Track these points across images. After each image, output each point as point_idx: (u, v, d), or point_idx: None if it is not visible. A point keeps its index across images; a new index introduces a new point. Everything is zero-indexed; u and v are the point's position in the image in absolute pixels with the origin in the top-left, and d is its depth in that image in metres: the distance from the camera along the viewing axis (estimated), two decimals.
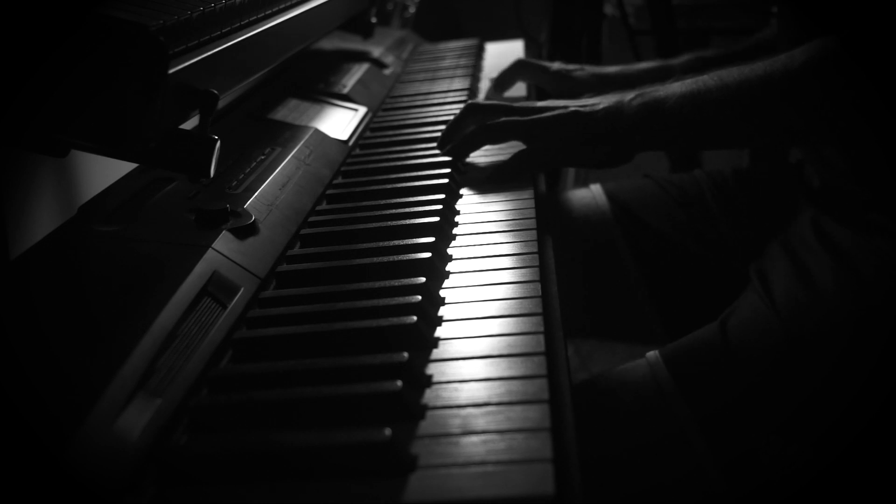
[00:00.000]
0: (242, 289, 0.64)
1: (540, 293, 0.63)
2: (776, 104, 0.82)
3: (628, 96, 0.87)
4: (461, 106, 1.12)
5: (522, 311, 0.61)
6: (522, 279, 0.66)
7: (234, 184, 0.79)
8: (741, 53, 1.14)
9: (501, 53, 1.52)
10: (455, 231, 0.78)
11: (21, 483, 0.42)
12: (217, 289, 0.62)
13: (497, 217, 0.80)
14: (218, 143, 0.67)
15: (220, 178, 0.79)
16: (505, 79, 1.22)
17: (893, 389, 0.77)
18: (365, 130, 1.09)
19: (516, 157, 0.90)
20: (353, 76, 1.23)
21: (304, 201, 0.83)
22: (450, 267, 0.70)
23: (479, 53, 1.49)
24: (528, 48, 1.67)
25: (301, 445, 0.46)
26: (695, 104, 0.84)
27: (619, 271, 1.11)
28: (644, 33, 1.91)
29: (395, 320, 0.59)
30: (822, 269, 0.85)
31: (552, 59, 1.75)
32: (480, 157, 0.96)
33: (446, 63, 1.42)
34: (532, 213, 0.80)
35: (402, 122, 1.11)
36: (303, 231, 0.78)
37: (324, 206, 0.86)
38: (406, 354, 0.53)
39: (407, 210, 0.80)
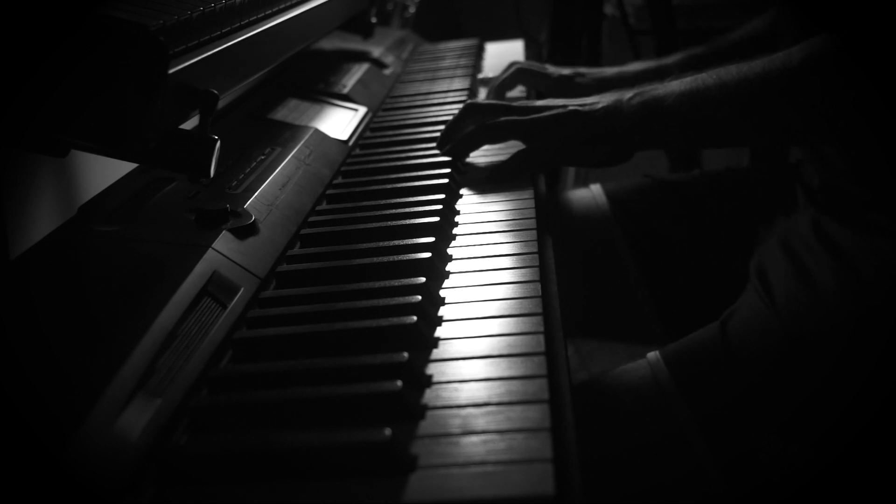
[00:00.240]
0: (242, 289, 0.64)
1: (540, 293, 0.63)
2: (775, 102, 0.82)
3: (627, 95, 0.87)
4: (461, 106, 1.13)
5: (522, 311, 0.61)
6: (522, 279, 0.66)
7: (234, 184, 0.79)
8: (732, 48, 1.14)
9: (501, 53, 1.52)
10: (455, 231, 0.78)
11: (21, 483, 0.42)
12: (217, 289, 0.62)
13: (497, 217, 0.80)
14: (218, 143, 0.67)
15: (220, 178, 0.79)
16: (505, 86, 1.21)
17: (893, 389, 0.77)
18: (365, 130, 1.09)
19: (516, 157, 0.90)
20: (353, 76, 1.23)
21: (304, 201, 0.83)
22: (450, 267, 0.70)
23: (479, 53, 1.49)
24: (528, 48, 1.67)
25: (301, 445, 0.46)
26: (693, 102, 0.84)
27: (619, 271, 1.11)
28: (644, 33, 1.91)
29: (395, 320, 0.59)
30: (822, 269, 0.85)
31: (552, 59, 1.76)
32: (480, 157, 0.96)
33: (446, 63, 1.42)
34: (532, 213, 0.80)
35: (402, 122, 1.11)
36: (303, 231, 0.78)
37: (324, 206, 0.86)
38: (406, 354, 0.53)
39: (407, 210, 0.80)
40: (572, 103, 0.89)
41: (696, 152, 1.81)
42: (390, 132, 1.08)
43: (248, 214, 0.73)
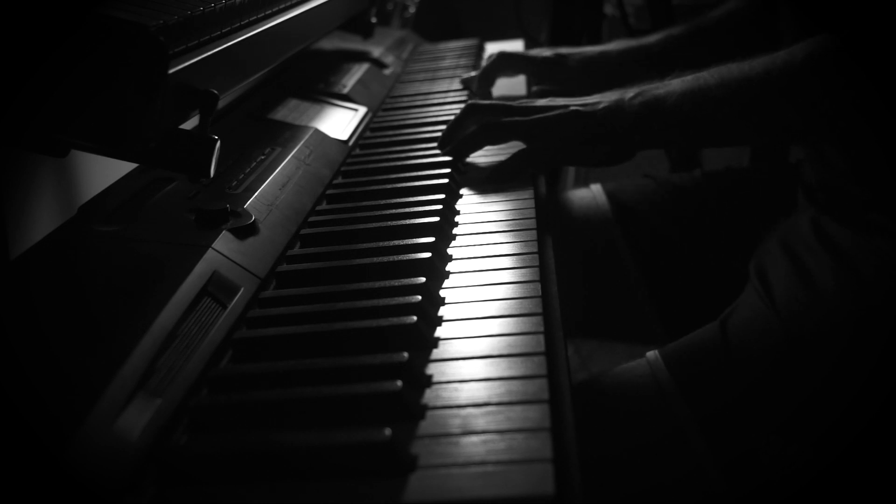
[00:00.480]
0: (242, 289, 0.64)
1: (540, 293, 0.63)
2: (776, 102, 0.82)
3: (628, 94, 0.87)
4: (461, 106, 1.13)
5: (522, 311, 0.61)
6: (522, 279, 0.66)
7: (234, 184, 0.79)
8: (710, 28, 1.14)
9: None
10: (455, 231, 0.78)
11: (21, 483, 0.42)
12: (217, 289, 0.62)
13: (497, 217, 0.80)
14: (218, 143, 0.67)
15: (220, 178, 0.79)
16: (489, 74, 1.21)
17: (893, 389, 0.77)
18: (365, 130, 1.09)
19: (516, 157, 0.90)
20: (353, 76, 1.23)
21: (304, 201, 0.83)
22: (450, 267, 0.70)
23: (479, 53, 1.49)
24: (527, 48, 1.67)
25: (301, 445, 0.46)
26: (695, 101, 0.84)
27: (619, 271, 1.11)
28: (644, 33, 1.91)
29: (395, 320, 0.59)
30: (822, 269, 0.85)
31: None
32: (480, 157, 0.96)
33: (446, 63, 1.42)
34: (532, 213, 0.80)
35: (402, 122, 1.11)
36: (303, 231, 0.78)
37: (324, 206, 0.86)
38: (406, 354, 0.53)
39: (407, 210, 0.80)
40: (574, 103, 0.89)
41: (696, 152, 1.81)
42: (390, 132, 1.08)
43: (248, 214, 0.73)
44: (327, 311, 0.63)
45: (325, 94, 1.13)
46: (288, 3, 0.94)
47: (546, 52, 1.21)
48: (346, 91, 1.16)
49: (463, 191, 0.88)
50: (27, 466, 0.43)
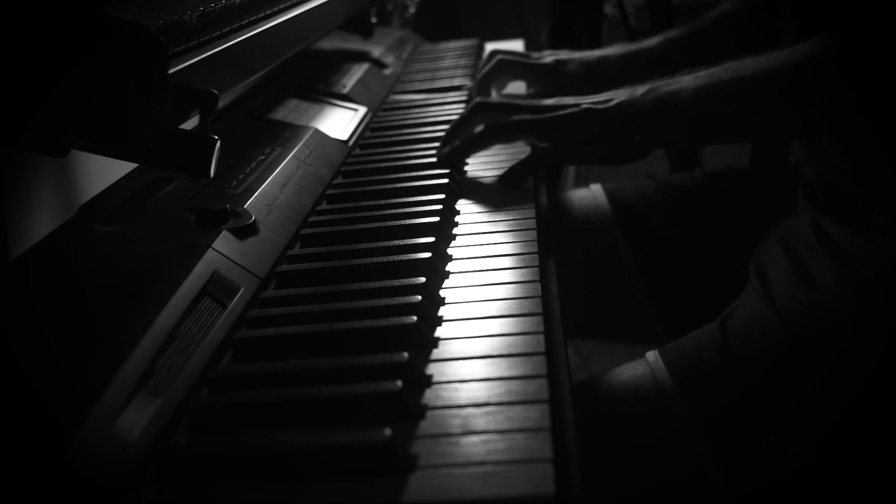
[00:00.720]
0: (242, 289, 0.64)
1: (540, 293, 0.63)
2: (775, 100, 0.82)
3: (639, 91, 0.87)
4: (461, 106, 1.13)
5: (522, 311, 0.61)
6: (522, 279, 0.66)
7: (234, 184, 0.79)
8: (707, 30, 1.14)
9: None
10: (455, 231, 0.78)
11: (21, 483, 0.42)
12: (217, 289, 0.62)
13: (497, 217, 0.80)
14: (218, 143, 0.67)
15: (220, 178, 0.79)
16: (489, 79, 1.21)
17: (893, 389, 0.77)
18: (365, 130, 1.09)
19: (528, 159, 0.89)
20: (353, 76, 1.23)
21: (304, 201, 0.83)
22: (450, 267, 0.70)
23: (479, 53, 1.49)
24: (527, 48, 1.67)
25: (301, 445, 0.46)
26: (709, 96, 0.83)
27: (619, 271, 1.11)
28: (644, 33, 1.91)
29: (395, 320, 0.59)
30: (822, 269, 0.85)
31: None
32: (481, 158, 0.96)
33: (446, 63, 1.42)
34: (532, 213, 0.80)
35: (402, 122, 1.11)
36: (303, 231, 0.78)
37: (324, 206, 0.86)
38: (406, 354, 0.53)
39: (407, 210, 0.80)
40: (585, 101, 0.88)
41: (696, 152, 1.81)
42: (390, 132, 1.08)
43: (248, 214, 0.73)
44: (327, 311, 0.63)
45: (325, 94, 1.13)
46: (288, 3, 0.94)
47: (545, 57, 1.20)
48: (346, 91, 1.16)
49: (463, 191, 0.88)
50: (27, 466, 0.43)
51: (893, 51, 0.76)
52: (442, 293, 0.66)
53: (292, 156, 0.88)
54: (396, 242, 0.73)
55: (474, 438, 0.47)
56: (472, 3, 2.50)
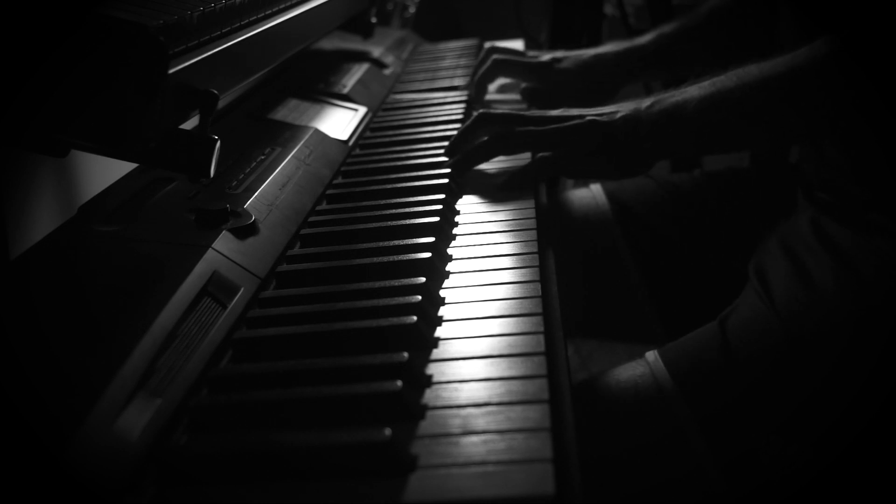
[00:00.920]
0: (242, 289, 0.64)
1: (540, 293, 0.63)
2: (777, 106, 0.82)
3: (645, 104, 0.86)
4: (461, 106, 1.13)
5: (522, 311, 0.61)
6: (522, 279, 0.66)
7: (234, 184, 0.79)
8: (699, 25, 1.14)
9: None
10: (455, 231, 0.78)
11: (21, 483, 0.42)
12: (217, 289, 0.62)
13: (497, 217, 0.80)
14: (218, 143, 0.67)
15: (220, 178, 0.79)
16: (484, 81, 1.21)
17: (893, 389, 0.77)
18: (365, 130, 1.09)
19: (530, 166, 0.89)
20: (353, 76, 1.23)
21: (304, 201, 0.83)
22: (450, 267, 0.70)
23: (478, 53, 1.49)
24: (528, 48, 1.67)
25: (301, 445, 0.46)
26: (714, 104, 0.83)
27: (619, 271, 1.11)
28: (644, 33, 1.91)
29: (395, 320, 0.59)
30: (822, 269, 0.85)
31: None
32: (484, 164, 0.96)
33: (446, 63, 1.42)
34: (532, 213, 0.80)
35: (402, 122, 1.11)
36: (303, 231, 0.78)
37: (324, 206, 0.86)
38: (406, 354, 0.53)
39: (407, 210, 0.80)
40: (590, 113, 0.88)
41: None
42: (390, 132, 1.08)
43: (248, 214, 0.73)
44: (327, 311, 0.63)
45: (325, 94, 1.13)
46: (288, 3, 0.94)
47: (541, 55, 1.20)
48: (346, 91, 1.16)
49: (463, 191, 0.88)
50: (27, 466, 0.43)
51: (894, 51, 0.76)
52: (442, 293, 0.66)
53: (292, 156, 0.88)
54: (396, 242, 0.73)
55: (474, 438, 0.47)
56: (472, 3, 2.50)
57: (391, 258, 0.70)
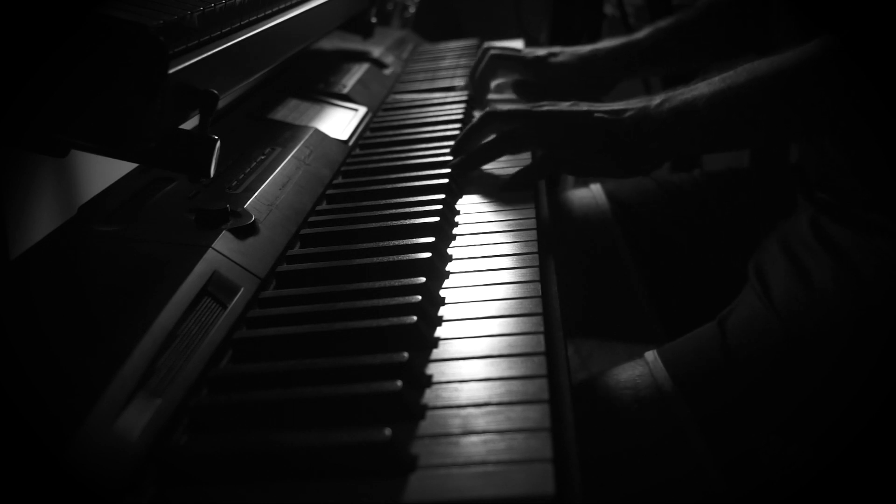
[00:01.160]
0: (242, 289, 0.64)
1: (540, 293, 0.63)
2: (776, 104, 0.81)
3: (655, 101, 0.85)
4: (461, 106, 1.13)
5: (522, 311, 0.61)
6: (522, 279, 0.66)
7: (234, 184, 0.79)
8: (695, 20, 1.14)
9: None
10: (455, 231, 0.78)
11: (21, 483, 0.42)
12: (217, 289, 0.62)
13: (497, 217, 0.80)
14: (218, 143, 0.67)
15: (220, 178, 0.79)
16: (484, 76, 1.20)
17: (893, 389, 0.77)
18: (365, 130, 1.09)
19: (535, 164, 0.88)
20: (353, 76, 1.23)
21: (304, 201, 0.83)
22: (450, 267, 0.70)
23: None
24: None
25: (301, 445, 0.46)
26: (726, 100, 0.81)
27: (619, 271, 1.11)
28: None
29: (395, 320, 0.59)
30: (822, 269, 0.85)
31: None
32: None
33: (446, 63, 1.42)
34: (532, 213, 0.80)
35: (402, 122, 1.11)
36: (303, 231, 0.78)
37: (324, 206, 0.86)
38: (406, 354, 0.53)
39: (407, 210, 0.80)
40: (600, 109, 0.87)
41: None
42: (390, 132, 1.08)
43: (248, 214, 0.73)
44: (327, 311, 0.63)
45: (325, 94, 1.13)
46: (288, 3, 0.94)
47: (538, 50, 1.20)
48: (346, 91, 1.16)
49: (463, 191, 0.88)
50: (27, 466, 0.43)
51: (893, 51, 0.76)
52: (442, 293, 0.66)
53: (292, 156, 0.88)
54: (396, 242, 0.73)
55: (474, 438, 0.47)
56: (472, 3, 2.50)
57: (391, 258, 0.70)
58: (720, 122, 0.83)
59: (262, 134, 0.94)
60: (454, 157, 0.92)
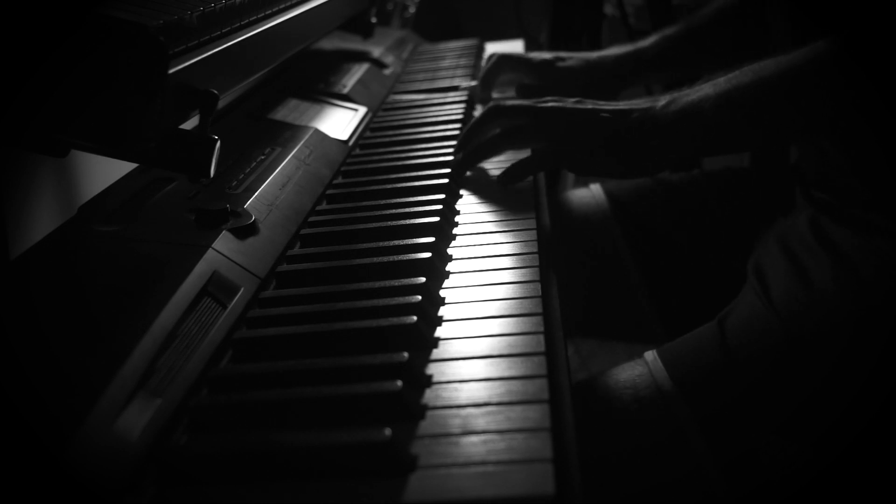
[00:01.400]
0: (242, 289, 0.64)
1: (540, 293, 0.63)
2: (779, 104, 0.81)
3: (660, 102, 0.85)
4: (461, 106, 1.13)
5: (522, 311, 0.61)
6: (522, 279, 0.66)
7: (234, 184, 0.79)
8: (702, 26, 1.14)
9: None
10: (455, 231, 0.78)
11: (21, 483, 0.42)
12: (217, 289, 0.62)
13: (497, 217, 0.80)
14: (218, 143, 0.67)
15: (220, 178, 0.79)
16: (489, 77, 1.21)
17: (893, 389, 0.77)
18: (365, 130, 1.09)
19: (534, 157, 0.88)
20: (353, 76, 1.23)
21: (304, 201, 0.83)
22: (450, 267, 0.70)
23: (479, 53, 1.49)
24: (527, 48, 1.67)
25: (301, 445, 0.46)
26: (732, 101, 0.81)
27: (619, 271, 1.11)
28: (644, 33, 1.90)
29: (395, 320, 0.59)
30: (822, 269, 0.85)
31: None
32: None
33: (446, 63, 1.42)
34: (532, 213, 0.80)
35: (402, 122, 1.11)
36: (303, 231, 0.78)
37: (324, 206, 0.86)
38: (406, 354, 0.53)
39: (407, 210, 0.80)
40: (605, 107, 0.86)
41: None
42: (390, 132, 1.08)
43: (248, 214, 0.73)
44: (327, 311, 0.63)
45: (325, 94, 1.13)
46: (288, 3, 0.94)
47: (545, 54, 1.21)
48: (346, 91, 1.16)
49: (463, 191, 0.88)
50: (27, 466, 0.43)
51: (893, 51, 0.76)
52: (442, 293, 0.66)
53: (292, 156, 0.88)
54: (396, 242, 0.73)
55: (474, 438, 0.47)
56: (472, 3, 2.50)
57: (391, 258, 0.70)
58: (724, 123, 0.82)
59: (262, 134, 0.94)
60: (457, 152, 0.92)
